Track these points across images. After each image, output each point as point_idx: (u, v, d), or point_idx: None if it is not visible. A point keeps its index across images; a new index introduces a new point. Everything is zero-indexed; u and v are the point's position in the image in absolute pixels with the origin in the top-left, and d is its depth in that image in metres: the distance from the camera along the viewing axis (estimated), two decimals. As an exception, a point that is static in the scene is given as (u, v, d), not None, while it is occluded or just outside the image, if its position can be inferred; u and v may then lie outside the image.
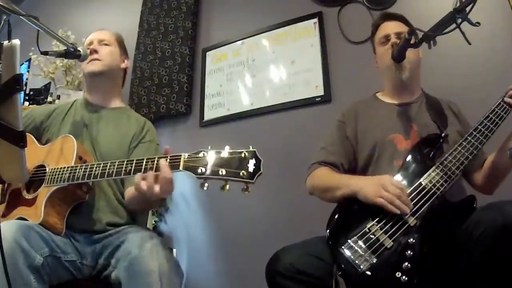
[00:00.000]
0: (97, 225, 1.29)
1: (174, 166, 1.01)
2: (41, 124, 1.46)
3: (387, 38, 1.43)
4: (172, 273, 1.07)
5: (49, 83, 2.80)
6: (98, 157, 1.37)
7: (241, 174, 0.93)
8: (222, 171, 0.93)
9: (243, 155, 0.94)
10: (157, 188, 1.02)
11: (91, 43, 1.53)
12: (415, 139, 1.30)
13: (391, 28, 1.44)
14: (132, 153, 1.43)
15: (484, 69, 1.82)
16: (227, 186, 0.95)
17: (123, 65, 1.59)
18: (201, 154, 0.98)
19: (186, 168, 0.99)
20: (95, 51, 1.49)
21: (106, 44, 1.53)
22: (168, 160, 1.03)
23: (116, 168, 1.11)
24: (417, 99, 1.43)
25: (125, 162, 1.10)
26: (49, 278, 1.08)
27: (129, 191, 1.33)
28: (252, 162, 0.93)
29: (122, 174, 1.10)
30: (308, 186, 1.39)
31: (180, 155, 1.01)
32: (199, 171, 0.95)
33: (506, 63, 1.77)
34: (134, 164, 1.08)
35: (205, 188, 0.95)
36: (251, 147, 0.96)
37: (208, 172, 0.95)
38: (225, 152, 0.96)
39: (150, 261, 1.04)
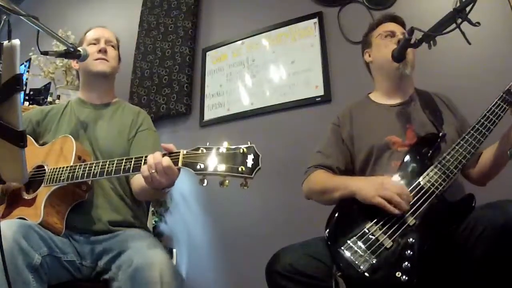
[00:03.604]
0: (98, 224, 1.29)
1: (172, 163, 1.02)
2: (38, 125, 1.46)
3: (393, 34, 1.42)
4: (173, 282, 1.07)
5: (49, 83, 2.81)
6: (98, 154, 1.37)
7: (239, 169, 0.93)
8: (221, 167, 0.94)
9: (241, 150, 0.95)
10: (159, 177, 1.02)
11: (97, 39, 1.51)
12: (412, 139, 1.30)
13: (396, 28, 1.44)
14: (132, 143, 1.43)
15: (484, 69, 1.82)
16: (226, 182, 0.95)
17: (118, 69, 1.60)
18: (199, 151, 0.98)
19: (185, 164, 0.99)
20: (105, 51, 1.48)
21: (112, 46, 1.53)
22: (167, 156, 1.03)
23: (115, 166, 1.11)
24: (410, 98, 1.42)
25: (124, 160, 1.11)
26: (48, 277, 1.08)
27: (137, 181, 1.32)
28: (250, 158, 0.94)
29: (121, 172, 1.10)
30: (305, 190, 1.39)
31: (179, 152, 1.02)
32: (198, 167, 0.96)
33: (506, 63, 1.77)
34: (133, 162, 1.09)
35: (204, 184, 0.96)
36: (249, 142, 0.96)
37: (206, 168, 0.95)
38: (223, 148, 0.96)
39: (153, 272, 1.04)
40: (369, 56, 1.51)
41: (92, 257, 1.23)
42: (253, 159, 0.94)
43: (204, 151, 0.98)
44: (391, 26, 1.45)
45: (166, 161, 1.01)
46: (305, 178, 1.39)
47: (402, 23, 1.49)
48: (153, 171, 1.01)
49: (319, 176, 1.35)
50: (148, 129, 1.48)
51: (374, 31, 1.50)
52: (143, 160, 1.07)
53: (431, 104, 1.38)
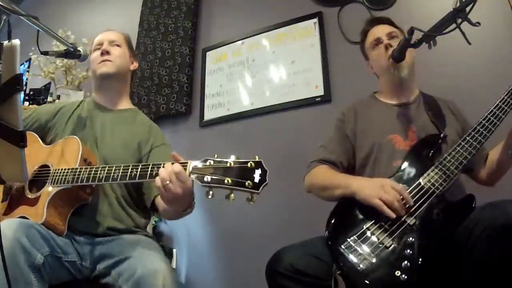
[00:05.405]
0: (99, 228, 1.28)
1: None
2: (47, 123, 1.45)
3: (378, 41, 1.44)
4: None
5: (49, 83, 2.81)
6: (101, 158, 1.35)
7: (246, 184, 0.93)
8: (227, 181, 0.94)
9: (249, 165, 0.94)
10: (174, 188, 1.01)
11: (100, 43, 1.51)
12: (414, 139, 1.30)
13: (380, 31, 1.46)
14: (148, 158, 1.41)
15: (484, 69, 1.82)
16: (232, 195, 0.95)
17: (132, 67, 1.57)
18: (207, 163, 0.98)
19: (192, 175, 0.99)
20: (107, 52, 1.47)
21: (117, 45, 1.52)
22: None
23: (121, 173, 1.11)
24: (415, 99, 1.43)
25: (130, 167, 1.10)
26: (49, 277, 1.07)
27: (160, 200, 1.29)
28: (258, 173, 0.94)
29: (127, 179, 1.10)
30: (306, 183, 1.40)
31: (187, 163, 1.01)
32: (205, 179, 0.96)
33: (506, 63, 1.77)
34: (139, 169, 1.08)
35: (209, 197, 0.95)
36: (257, 157, 0.96)
37: (213, 180, 0.95)
38: (231, 162, 0.96)
39: (156, 281, 1.05)
40: (371, 68, 1.54)
41: (91, 259, 1.22)
42: (260, 174, 0.93)
43: (212, 163, 0.97)
44: (376, 32, 1.47)
45: (177, 167, 1.00)
46: (307, 172, 1.40)
47: (386, 21, 1.50)
48: (167, 182, 1.00)
49: (321, 171, 1.35)
50: (162, 144, 1.47)
51: (365, 42, 1.53)
52: (149, 168, 1.07)
53: (435, 107, 1.38)
